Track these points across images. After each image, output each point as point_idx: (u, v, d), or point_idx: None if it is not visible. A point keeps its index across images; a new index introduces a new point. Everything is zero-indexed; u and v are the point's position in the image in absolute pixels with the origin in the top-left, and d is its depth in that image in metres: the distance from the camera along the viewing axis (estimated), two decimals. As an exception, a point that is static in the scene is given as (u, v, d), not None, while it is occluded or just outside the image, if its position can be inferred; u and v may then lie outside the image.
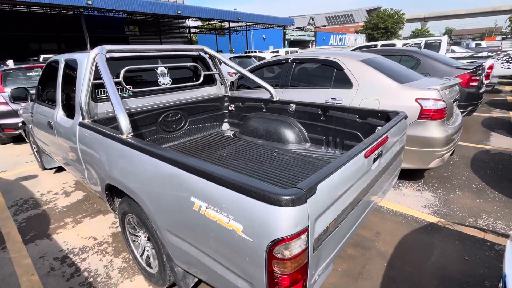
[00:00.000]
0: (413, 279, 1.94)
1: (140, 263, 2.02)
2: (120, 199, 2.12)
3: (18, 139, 5.42)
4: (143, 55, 2.65)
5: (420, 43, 9.34)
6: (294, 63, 3.98)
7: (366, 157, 1.38)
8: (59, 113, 2.63)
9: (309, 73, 3.92)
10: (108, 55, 2.40)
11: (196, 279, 1.71)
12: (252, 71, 4.64)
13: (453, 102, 3.26)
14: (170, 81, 2.86)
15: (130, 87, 2.53)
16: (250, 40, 37.10)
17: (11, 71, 5.26)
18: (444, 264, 2.06)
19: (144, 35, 27.52)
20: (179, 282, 1.61)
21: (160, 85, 2.77)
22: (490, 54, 8.67)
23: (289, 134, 2.73)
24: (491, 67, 6.88)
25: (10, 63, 5.54)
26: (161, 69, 2.79)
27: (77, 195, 3.32)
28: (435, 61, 5.13)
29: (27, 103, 3.62)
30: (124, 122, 1.76)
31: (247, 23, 28.21)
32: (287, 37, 37.63)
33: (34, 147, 4.05)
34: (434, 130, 2.88)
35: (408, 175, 3.47)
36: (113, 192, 2.11)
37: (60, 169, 4.04)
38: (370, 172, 1.49)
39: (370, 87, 3.22)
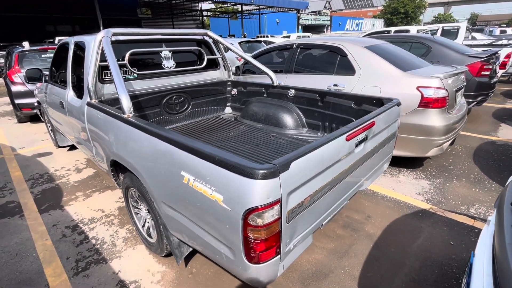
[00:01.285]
0: (396, 258, 2.04)
1: (142, 233, 2.20)
2: (123, 175, 2.29)
3: (34, 118, 5.70)
4: (148, 38, 2.74)
5: (437, 30, 8.98)
6: (299, 49, 3.99)
7: (347, 140, 1.46)
8: (69, 93, 2.79)
9: (313, 59, 3.92)
10: (114, 38, 2.51)
11: (191, 249, 1.87)
12: (257, 56, 4.67)
13: (457, 91, 3.22)
14: (174, 64, 2.95)
15: (135, 70, 2.64)
16: (263, 24, 36.35)
17: (27, 53, 5.47)
18: (428, 247, 2.14)
19: (156, 18, 27.43)
20: (174, 250, 1.77)
21: (164, 68, 2.87)
22: (511, 42, 8.28)
23: (287, 119, 2.80)
24: (508, 56, 6.61)
25: (26, 44, 5.73)
26: (165, 52, 2.88)
27: (87, 172, 3.53)
28: (447, 48, 4.99)
29: (42, 84, 3.81)
30: (126, 103, 1.88)
31: (260, 7, 27.62)
32: (301, 21, 36.65)
33: (49, 126, 4.28)
34: (434, 118, 2.89)
35: (407, 163, 3.50)
36: (117, 168, 2.27)
37: (72, 148, 4.27)
38: (352, 155, 1.57)
39: (372, 74, 3.21)
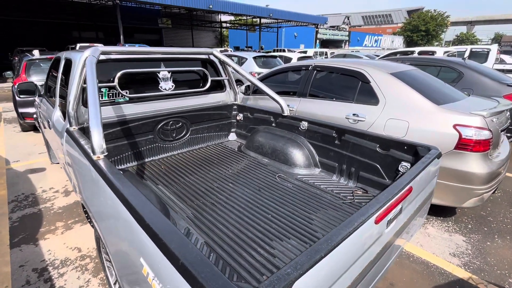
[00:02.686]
0: None
1: (113, 291, 1.82)
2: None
3: (38, 128, 5.54)
4: (143, 57, 2.44)
5: (465, 52, 8.42)
6: (315, 71, 3.61)
7: (377, 223, 1.04)
8: (56, 113, 2.51)
9: (331, 83, 3.52)
10: (104, 57, 2.21)
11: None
12: (270, 76, 4.32)
13: (502, 131, 2.73)
14: (172, 86, 2.63)
15: (126, 92, 2.33)
16: (280, 38, 36.46)
17: (36, 61, 5.36)
18: None
19: (176, 28, 28.03)
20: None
21: (161, 90, 2.55)
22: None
23: (297, 156, 2.39)
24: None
25: (36, 53, 5.66)
26: (164, 73, 2.56)
27: (75, 196, 3.23)
28: (481, 75, 4.48)
29: (37, 99, 3.59)
30: (97, 139, 1.54)
31: (279, 20, 27.73)
32: (319, 36, 36.45)
33: (44, 139, 4.06)
34: (474, 164, 2.41)
35: (437, 210, 2.99)
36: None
37: (67, 164, 4.01)
38: (383, 236, 1.14)
39: (399, 106, 2.78)
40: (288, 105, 2.65)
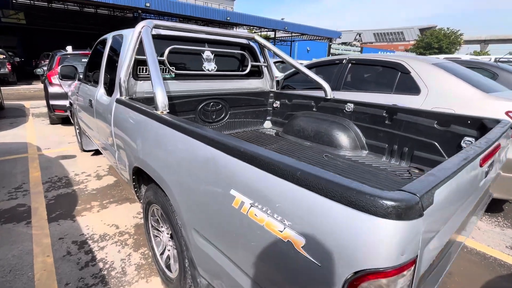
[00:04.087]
0: None
1: (159, 263, 1.75)
2: (146, 187, 1.90)
3: (66, 121, 5.65)
4: (190, 36, 2.46)
5: (489, 60, 8.29)
6: (350, 64, 3.58)
7: (481, 165, 0.96)
8: (100, 90, 2.54)
9: (366, 76, 3.48)
10: (154, 32, 2.24)
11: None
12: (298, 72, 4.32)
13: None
14: (215, 67, 2.64)
15: (173, 68, 2.34)
16: (293, 51, 36.97)
17: (69, 56, 5.54)
18: (553, 333, 1.49)
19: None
20: (200, 296, 1.30)
21: (204, 71, 2.56)
22: None
23: (343, 138, 2.33)
24: None
25: (69, 49, 5.86)
26: (207, 53, 2.58)
27: (108, 180, 3.22)
28: (515, 76, 4.36)
29: (76, 84, 3.67)
30: (161, 97, 1.53)
31: (293, 34, 28.19)
32: (332, 51, 36.88)
33: (77, 128, 4.11)
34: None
35: (482, 206, 2.83)
36: (140, 177, 1.90)
37: (97, 153, 4.03)
38: (479, 189, 1.06)
39: (443, 94, 2.70)
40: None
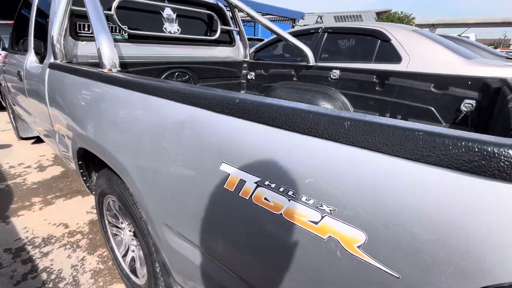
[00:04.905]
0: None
1: (121, 267, 1.40)
2: (97, 174, 1.50)
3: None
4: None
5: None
6: (326, 33, 3.34)
7: None
8: (30, 58, 2.00)
9: (344, 46, 3.28)
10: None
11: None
12: (271, 43, 4.00)
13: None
14: (178, 30, 2.21)
15: (125, 28, 1.88)
16: (257, 32, 36.17)
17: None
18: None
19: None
20: (180, 309, 1.00)
21: (165, 33, 2.12)
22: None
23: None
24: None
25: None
26: (168, 11, 2.14)
27: (53, 171, 2.69)
28: (479, 49, 4.50)
29: (3, 57, 2.97)
30: (108, 51, 1.13)
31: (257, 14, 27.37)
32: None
33: (11, 112, 3.41)
34: None
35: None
36: (90, 164, 1.49)
37: (39, 141, 3.40)
38: None
39: (425, 62, 2.59)
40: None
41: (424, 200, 0.35)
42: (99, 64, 1.14)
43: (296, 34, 3.73)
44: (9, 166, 2.76)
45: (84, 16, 1.72)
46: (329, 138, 0.44)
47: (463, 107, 1.61)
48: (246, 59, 2.76)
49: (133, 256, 1.34)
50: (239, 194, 0.57)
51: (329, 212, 0.43)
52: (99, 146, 1.08)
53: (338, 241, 0.43)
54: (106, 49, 1.13)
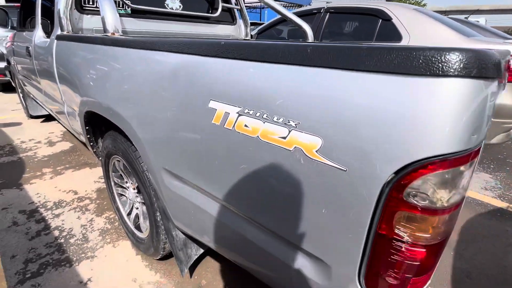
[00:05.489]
0: (492, 274, 1.42)
1: (127, 224, 1.52)
2: (104, 138, 1.60)
3: (7, 88, 4.89)
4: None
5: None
6: (328, 13, 3.34)
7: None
8: (37, 34, 2.08)
9: (346, 25, 3.28)
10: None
11: (202, 250, 1.20)
12: (274, 25, 4.01)
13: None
14: (180, 6, 2.26)
15: (128, 2, 1.94)
16: (263, 18, 35.61)
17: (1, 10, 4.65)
18: (532, 259, 1.53)
19: None
20: (178, 252, 1.10)
21: (167, 9, 2.18)
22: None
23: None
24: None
25: (1, 1, 4.91)
26: (170, -12, 2.18)
27: (62, 146, 2.81)
28: (482, 29, 4.43)
29: (11, 37, 3.06)
30: (111, 17, 1.20)
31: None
32: (302, 18, 36.05)
33: (20, 92, 3.53)
34: (508, 95, 2.28)
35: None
36: (97, 130, 1.59)
37: (48, 119, 3.52)
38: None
39: (425, 40, 2.59)
40: None
41: (363, 101, 0.43)
42: (103, 30, 1.21)
43: (299, 15, 3.73)
44: (20, 141, 2.89)
45: (89, -10, 1.79)
46: (295, 63, 0.52)
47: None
48: (247, 38, 2.80)
49: (137, 213, 1.45)
50: (224, 126, 0.65)
51: (295, 126, 0.51)
52: (103, 106, 1.17)
53: (302, 149, 0.51)
54: (110, 16, 1.20)
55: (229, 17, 2.67)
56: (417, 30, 2.66)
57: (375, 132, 0.42)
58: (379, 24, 2.91)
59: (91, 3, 1.82)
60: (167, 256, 1.38)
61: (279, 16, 3.93)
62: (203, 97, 0.70)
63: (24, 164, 2.41)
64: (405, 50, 0.40)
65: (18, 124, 3.40)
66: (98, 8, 1.86)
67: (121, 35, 1.19)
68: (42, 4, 2.09)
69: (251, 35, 3.76)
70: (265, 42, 0.57)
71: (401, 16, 2.79)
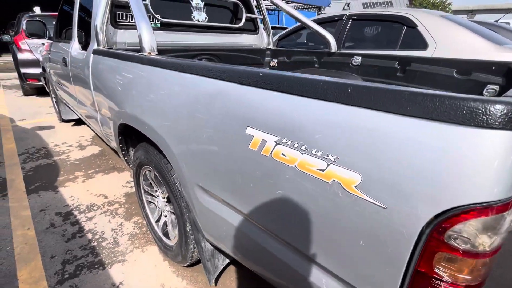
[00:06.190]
0: (526, 298, 1.37)
1: (155, 230, 1.59)
2: (135, 148, 1.69)
3: (42, 92, 5.19)
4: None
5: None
6: (350, 21, 3.32)
7: None
8: (74, 46, 2.21)
9: (369, 33, 3.25)
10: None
11: (228, 260, 1.25)
12: (295, 31, 4.03)
13: None
14: (206, 18, 2.33)
15: (158, 16, 2.03)
16: (281, 21, 35.59)
17: (37, 18, 4.95)
18: None
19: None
20: (206, 262, 1.15)
21: (193, 21, 2.26)
22: None
23: (349, 95, 2.14)
24: None
25: (37, 10, 5.24)
26: (197, 1, 2.26)
27: (92, 150, 2.96)
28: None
29: (48, 46, 3.26)
30: (148, 37, 1.28)
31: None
32: (320, 20, 35.67)
33: (53, 96, 3.75)
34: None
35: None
36: (128, 140, 1.68)
37: (78, 123, 3.72)
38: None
39: (452, 48, 2.53)
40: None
41: (406, 143, 0.45)
42: (140, 49, 1.29)
43: (320, 22, 3.73)
44: (54, 144, 3.07)
45: (122, 6, 1.89)
46: (335, 101, 0.54)
47: (485, 93, 1.61)
48: (269, 47, 2.84)
49: (165, 221, 1.52)
50: (261, 152, 0.69)
51: (333, 160, 0.54)
52: (140, 120, 1.24)
53: (340, 183, 0.53)
54: (146, 35, 1.27)
55: (252, 26, 2.73)
56: (444, 38, 2.59)
57: (417, 175, 0.44)
58: (404, 31, 2.86)
59: (124, 18, 1.92)
60: (193, 263, 1.43)
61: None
62: (239, 123, 0.74)
63: (58, 167, 2.57)
64: (449, 99, 0.41)
65: (52, 127, 3.61)
66: (130, 23, 1.96)
67: (156, 54, 1.26)
68: (78, 16, 2.21)
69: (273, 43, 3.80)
70: (304, 77, 0.60)
71: (427, 23, 2.73)
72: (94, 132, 3.11)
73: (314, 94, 0.57)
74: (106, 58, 1.56)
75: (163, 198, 1.48)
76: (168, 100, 1.03)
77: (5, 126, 3.58)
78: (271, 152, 0.66)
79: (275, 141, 0.65)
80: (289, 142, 0.62)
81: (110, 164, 2.65)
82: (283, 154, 0.63)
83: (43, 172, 2.46)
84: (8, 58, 11.71)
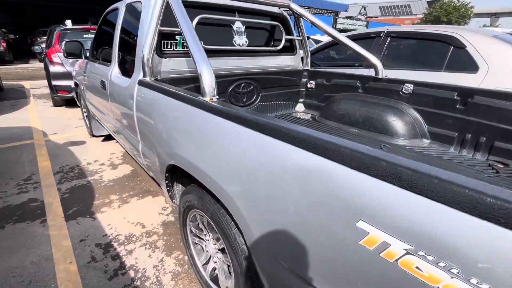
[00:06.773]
0: None
1: (201, 274, 1.51)
2: (180, 185, 1.62)
3: (70, 103, 5.30)
4: (219, 4, 2.08)
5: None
6: (389, 38, 3.18)
7: None
8: (114, 70, 2.19)
9: (409, 51, 3.09)
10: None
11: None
12: (327, 47, 3.92)
13: None
14: (246, 42, 2.26)
15: (201, 43, 1.97)
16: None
17: (68, 32, 5.08)
18: None
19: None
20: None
21: (235, 46, 2.19)
22: None
23: (399, 125, 2.01)
24: None
25: (69, 23, 5.38)
26: (238, 25, 2.20)
27: (124, 169, 2.95)
28: None
29: (82, 62, 3.30)
30: (209, 79, 1.21)
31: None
32: (337, 25, 35.17)
33: (84, 112, 3.79)
34: None
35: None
36: (173, 174, 1.61)
37: (108, 138, 3.74)
38: None
39: (508, 73, 2.34)
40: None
41: None
42: (201, 92, 1.22)
43: (354, 38, 3.60)
44: (87, 162, 3.08)
45: (167, 35, 1.85)
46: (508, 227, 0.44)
47: None
48: (307, 68, 2.74)
49: (214, 267, 1.44)
50: (380, 255, 0.59)
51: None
52: (197, 168, 1.17)
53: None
54: (207, 78, 1.20)
55: (290, 47, 2.64)
56: (497, 60, 2.42)
57: None
58: (450, 51, 2.69)
59: (169, 46, 1.88)
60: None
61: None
62: (347, 212, 0.64)
63: (93, 189, 2.55)
64: None
65: (83, 142, 3.64)
66: (175, 51, 1.92)
67: (218, 99, 1.19)
68: (120, 39, 2.17)
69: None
70: (461, 181, 0.50)
71: (477, 44, 2.56)
72: (124, 149, 3.10)
73: (477, 212, 0.46)
74: (156, 93, 1.50)
75: (214, 244, 1.40)
76: (240, 160, 0.94)
77: (39, 141, 3.63)
78: (398, 260, 0.56)
79: (405, 249, 0.55)
80: (430, 258, 0.51)
81: (144, 187, 2.61)
82: (417, 268, 0.53)
83: (79, 195, 2.45)
84: (36, 64, 12.18)
